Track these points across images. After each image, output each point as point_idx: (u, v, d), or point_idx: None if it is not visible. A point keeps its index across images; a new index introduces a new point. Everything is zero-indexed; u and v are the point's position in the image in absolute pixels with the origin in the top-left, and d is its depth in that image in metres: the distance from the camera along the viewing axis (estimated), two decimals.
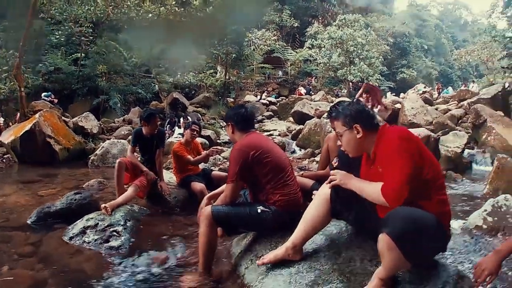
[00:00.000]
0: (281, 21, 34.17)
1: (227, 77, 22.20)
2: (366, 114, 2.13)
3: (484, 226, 3.93)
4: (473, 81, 30.51)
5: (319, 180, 3.33)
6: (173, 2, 14.54)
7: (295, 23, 34.12)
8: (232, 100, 21.89)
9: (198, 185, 4.54)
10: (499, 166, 5.99)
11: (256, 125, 16.76)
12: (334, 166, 3.32)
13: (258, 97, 25.67)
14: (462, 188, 6.53)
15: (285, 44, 32.37)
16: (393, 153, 1.89)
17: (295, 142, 11.43)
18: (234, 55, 21.94)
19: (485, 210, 4.10)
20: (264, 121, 18.60)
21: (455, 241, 3.59)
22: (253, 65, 27.29)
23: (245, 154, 2.62)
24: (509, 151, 8.60)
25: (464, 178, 7.35)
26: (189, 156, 4.81)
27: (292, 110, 15.58)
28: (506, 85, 22.45)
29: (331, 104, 15.78)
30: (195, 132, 4.98)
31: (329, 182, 2.16)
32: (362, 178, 2.13)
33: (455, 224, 4.14)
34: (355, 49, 27.27)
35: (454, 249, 3.33)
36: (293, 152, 10.76)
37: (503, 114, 10.82)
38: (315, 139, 10.44)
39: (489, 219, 3.99)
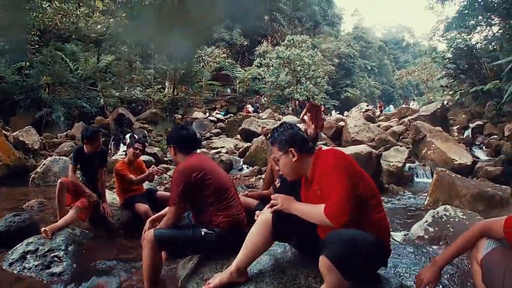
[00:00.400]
0: (231, 39, 34.56)
1: (175, 93, 21.86)
2: (300, 137, 2.22)
3: (426, 237, 4.04)
4: (414, 99, 32.38)
5: (263, 200, 3.37)
6: (123, 15, 14.13)
7: (245, 42, 34.65)
8: (179, 116, 21.53)
9: (142, 206, 4.41)
10: (438, 178, 6.26)
11: (204, 142, 16.55)
12: (277, 186, 3.38)
13: (207, 114, 25.53)
14: (404, 201, 6.75)
15: (234, 62, 32.72)
16: (329, 173, 1.96)
17: (242, 159, 11.43)
18: (183, 71, 21.71)
19: (426, 221, 4.22)
20: (212, 138, 18.46)
21: (398, 252, 3.62)
22: (202, 81, 27.20)
23: (187, 176, 2.61)
24: (448, 164, 9.07)
25: (405, 191, 7.60)
26: (131, 176, 4.64)
27: (240, 128, 15.61)
28: (445, 102, 24.20)
29: (278, 123, 15.86)
30: (137, 151, 4.82)
31: (271, 207, 2.17)
32: (302, 200, 2.19)
33: (398, 236, 4.21)
34: (302, 68, 28.03)
35: (397, 261, 3.34)
36: (241, 169, 10.75)
37: (441, 130, 11.45)
38: (262, 156, 10.51)
39: (430, 229, 4.10)
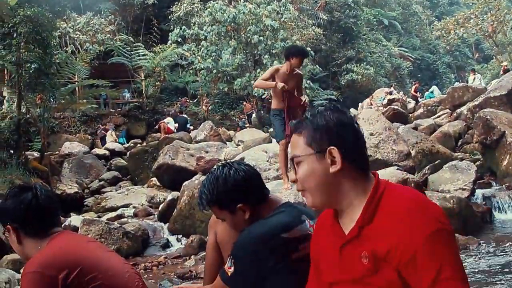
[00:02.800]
0: None
1: (22, 110, 21.38)
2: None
3: None
4: (474, 70, 33.17)
5: None
6: None
7: None
8: (37, 155, 21.05)
9: None
10: None
11: (91, 199, 16.57)
12: (229, 274, 3.23)
13: (90, 142, 25.16)
14: (482, 261, 6.68)
15: (132, 40, 32.78)
16: (425, 244, 1.93)
17: (166, 225, 11.52)
18: (34, 64, 21.30)
19: None
20: (105, 189, 18.23)
21: None
22: (74, 81, 26.79)
23: (48, 280, 2.59)
24: None
25: (481, 242, 7.56)
26: None
27: (156, 164, 15.62)
28: None
29: (230, 149, 15.53)
30: None
31: None
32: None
33: None
34: (261, 39, 28.40)
35: None
36: (165, 245, 10.87)
37: None
38: (202, 215, 10.37)
39: None
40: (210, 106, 31.43)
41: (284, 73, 8.58)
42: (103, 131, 27.56)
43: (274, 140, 23.10)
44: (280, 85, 8.33)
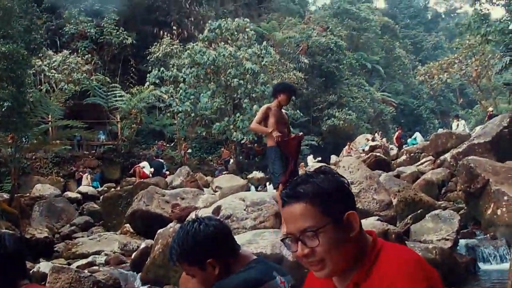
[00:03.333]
0: (100, 34, 34.91)
1: None
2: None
3: None
4: (457, 116, 33.45)
5: None
6: None
7: (128, 38, 35.16)
8: (6, 196, 20.80)
9: None
10: None
11: (61, 245, 16.28)
12: None
13: (63, 185, 24.93)
14: None
15: (109, 80, 32.76)
16: None
17: (138, 274, 11.31)
18: (7, 102, 21.16)
19: None
20: (76, 235, 18.02)
21: None
22: (47, 121, 26.66)
23: None
24: None
25: None
26: None
27: (130, 210, 15.45)
28: None
29: (207, 196, 15.37)
30: None
31: None
32: None
33: None
34: (241, 82, 28.55)
35: None
36: None
37: None
38: (177, 266, 10.14)
39: None
40: (188, 151, 31.34)
41: (276, 110, 8.65)
42: (81, 173, 27.36)
43: (252, 188, 23.09)
44: (276, 134, 8.38)
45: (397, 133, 33.59)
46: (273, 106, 8.76)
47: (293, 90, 9.12)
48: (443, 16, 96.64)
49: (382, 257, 2.09)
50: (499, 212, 10.31)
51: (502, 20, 24.98)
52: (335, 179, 2.23)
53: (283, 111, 8.98)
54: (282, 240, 2.33)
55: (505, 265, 8.48)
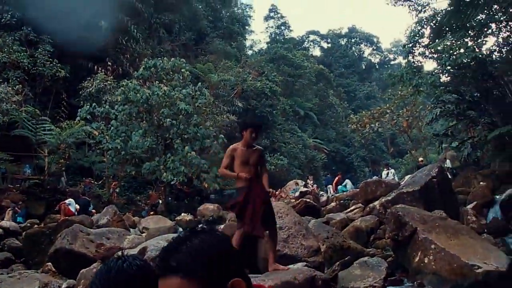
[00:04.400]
0: (33, 64, 34.44)
1: None
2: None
3: None
4: (387, 165, 34.02)
5: None
6: None
7: (61, 71, 34.80)
8: None
9: None
10: None
11: None
12: None
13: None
14: None
15: (39, 113, 32.21)
16: None
17: None
18: None
19: None
20: None
21: None
22: None
23: None
24: (465, 276, 9.23)
25: None
26: None
27: (53, 248, 15.00)
28: (446, 163, 25.67)
29: (133, 236, 14.92)
30: None
31: None
32: None
33: None
34: (174, 122, 28.50)
35: None
36: None
37: (445, 215, 11.81)
38: None
39: None
40: (117, 190, 30.92)
41: (242, 150, 8.34)
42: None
43: (180, 230, 22.80)
44: (243, 175, 8.11)
45: (336, 178, 34.03)
46: (239, 145, 8.45)
47: (256, 125, 8.80)
48: (377, 66, 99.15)
49: None
50: (426, 260, 10.39)
51: (433, 73, 25.72)
52: (217, 241, 2.04)
53: (258, 147, 8.61)
54: None
55: None
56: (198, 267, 1.92)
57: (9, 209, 25.95)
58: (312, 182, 33.63)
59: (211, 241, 2.04)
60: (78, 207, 25.00)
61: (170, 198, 31.09)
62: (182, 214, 26.97)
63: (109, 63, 37.63)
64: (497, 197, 17.19)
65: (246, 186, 8.13)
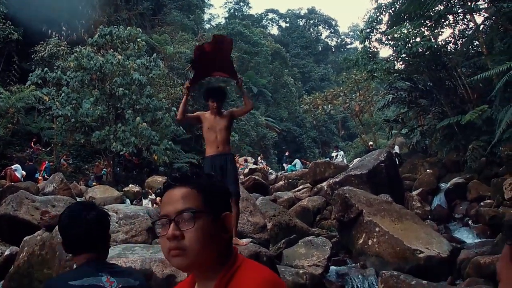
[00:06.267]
0: None
1: None
2: None
3: None
4: (337, 147, 34.29)
5: None
6: None
7: (14, 33, 34.18)
8: None
9: None
10: None
11: None
12: None
13: None
14: None
15: None
16: None
17: (1, 282, 10.72)
18: None
19: None
20: None
21: None
22: None
23: None
24: (407, 260, 9.46)
25: None
26: None
27: None
28: (395, 148, 26.09)
29: (79, 201, 15.22)
30: None
31: None
32: None
33: None
34: (126, 92, 28.22)
35: None
36: None
37: (390, 199, 12.03)
38: (41, 275, 9.87)
39: None
40: (70, 161, 30.63)
41: (209, 115, 8.38)
42: None
43: (128, 201, 22.69)
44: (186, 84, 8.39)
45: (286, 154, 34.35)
46: (207, 112, 8.49)
47: (209, 92, 8.73)
48: (333, 49, 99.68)
49: (240, 274, 2.12)
50: (370, 242, 10.58)
51: (388, 60, 25.92)
52: (223, 185, 2.34)
53: (226, 112, 8.57)
54: (153, 223, 2.32)
55: None
56: (207, 188, 2.22)
57: None
58: (262, 160, 33.80)
59: (220, 184, 2.35)
60: (24, 173, 24.69)
61: (118, 169, 30.86)
62: (130, 185, 26.85)
63: (63, 28, 36.95)
64: (443, 185, 17.57)
65: (208, 156, 8.20)
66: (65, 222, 3.08)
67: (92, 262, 3.02)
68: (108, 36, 30.70)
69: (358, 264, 10.35)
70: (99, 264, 3.07)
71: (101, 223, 3.17)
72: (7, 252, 12.15)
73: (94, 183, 27.80)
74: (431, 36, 23.01)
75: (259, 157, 35.90)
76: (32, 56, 33.82)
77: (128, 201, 23.23)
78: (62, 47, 33.59)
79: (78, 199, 19.90)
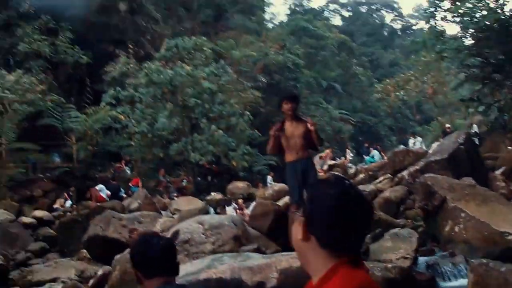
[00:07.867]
0: (54, 52, 34.49)
1: None
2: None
3: None
4: (414, 133, 33.82)
5: None
6: None
7: (83, 57, 34.85)
8: None
9: None
10: (477, 278, 6.33)
11: (16, 272, 16.03)
12: None
13: (18, 210, 24.60)
14: None
15: (64, 100, 32.41)
16: None
17: None
18: None
19: None
20: (31, 261, 17.72)
21: None
22: (0, 144, 26.36)
23: None
24: (497, 243, 9.29)
25: None
26: None
27: (86, 235, 15.14)
28: (473, 128, 25.56)
29: (165, 219, 15.18)
30: None
31: None
32: None
33: None
34: (198, 102, 28.42)
35: None
36: None
37: (473, 182, 11.83)
38: None
39: None
40: (145, 172, 31.12)
41: (287, 124, 8.56)
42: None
43: (211, 210, 22.98)
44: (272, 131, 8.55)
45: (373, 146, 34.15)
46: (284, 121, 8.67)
47: (286, 96, 9.00)
48: (399, 33, 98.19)
49: (337, 279, 2.05)
50: (456, 229, 10.41)
51: (456, 37, 25.46)
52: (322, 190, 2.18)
53: (304, 120, 8.74)
54: None
55: (464, 281, 8.57)
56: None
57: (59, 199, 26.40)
58: (348, 154, 33.69)
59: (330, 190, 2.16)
60: (109, 192, 25.25)
61: (199, 178, 31.22)
62: (212, 193, 27.07)
63: (130, 45, 37.57)
64: None
65: (290, 162, 8.39)
66: (142, 248, 3.22)
67: (169, 284, 3.15)
68: (175, 48, 31.17)
69: (446, 252, 10.18)
70: (173, 286, 3.22)
71: (172, 247, 3.34)
72: (100, 272, 12.35)
73: (175, 195, 28.18)
74: (497, 8, 22.50)
75: (347, 150, 35.75)
76: (103, 77, 34.50)
77: (211, 209, 23.45)
78: (131, 65, 34.17)
79: (163, 212, 20.26)
